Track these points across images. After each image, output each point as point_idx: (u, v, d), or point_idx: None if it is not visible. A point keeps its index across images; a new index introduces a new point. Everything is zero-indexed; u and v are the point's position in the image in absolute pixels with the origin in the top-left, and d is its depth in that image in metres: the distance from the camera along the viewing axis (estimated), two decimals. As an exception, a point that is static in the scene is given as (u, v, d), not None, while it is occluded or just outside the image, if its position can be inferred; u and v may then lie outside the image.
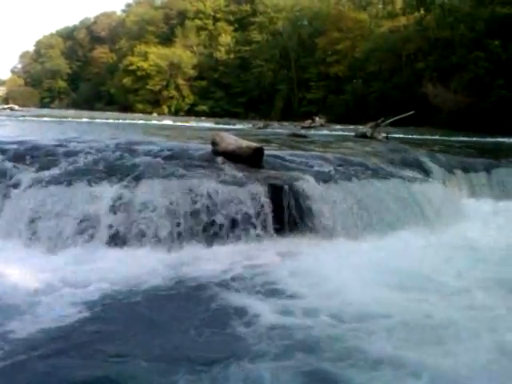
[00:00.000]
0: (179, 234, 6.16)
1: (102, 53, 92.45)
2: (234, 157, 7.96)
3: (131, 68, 72.06)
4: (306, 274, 5.38)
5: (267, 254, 6.09)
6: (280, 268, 5.58)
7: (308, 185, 7.30)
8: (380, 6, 56.44)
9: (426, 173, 10.46)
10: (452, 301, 4.73)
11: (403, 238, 6.94)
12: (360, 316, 4.32)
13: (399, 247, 6.47)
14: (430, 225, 7.60)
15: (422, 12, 42.47)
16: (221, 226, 6.34)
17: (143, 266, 5.41)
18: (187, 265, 5.58)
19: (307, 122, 29.80)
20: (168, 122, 32.67)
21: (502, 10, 33.48)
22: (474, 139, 21.42)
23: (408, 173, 9.48)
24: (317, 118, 31.18)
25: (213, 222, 6.34)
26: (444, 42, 38.81)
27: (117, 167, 6.98)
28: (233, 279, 5.23)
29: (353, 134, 18.24)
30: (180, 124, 31.04)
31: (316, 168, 8.37)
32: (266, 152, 8.31)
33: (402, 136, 19.62)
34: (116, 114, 48.89)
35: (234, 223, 6.41)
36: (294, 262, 5.82)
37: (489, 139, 21.83)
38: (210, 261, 5.72)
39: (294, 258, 5.96)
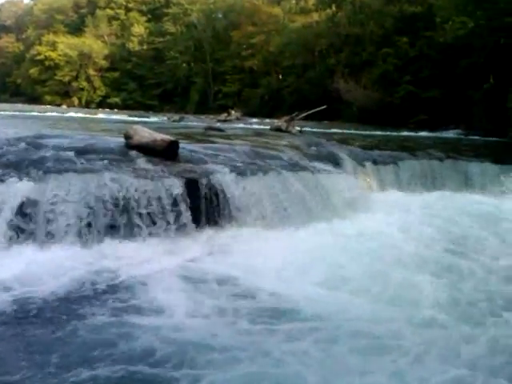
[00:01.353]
0: (90, 231, 5.96)
1: (7, 42, 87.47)
2: (149, 150, 7.82)
3: (39, 58, 68.85)
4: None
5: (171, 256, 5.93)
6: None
7: (224, 178, 7.32)
8: (293, 2, 57.28)
9: (338, 165, 10.75)
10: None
11: (312, 231, 7.18)
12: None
13: (305, 244, 6.60)
14: (340, 216, 7.86)
15: (334, 9, 43.49)
16: (134, 221, 6.21)
17: (43, 265, 5.17)
18: (91, 264, 5.38)
19: (223, 116, 29.82)
20: (78, 114, 31.50)
21: (410, 8, 35.02)
22: (383, 133, 22.28)
23: (321, 165, 9.71)
24: (232, 112, 31.29)
25: (126, 218, 6.19)
26: (355, 39, 39.99)
27: (23, 162, 6.62)
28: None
29: (268, 127, 18.43)
30: (91, 116, 30.05)
31: (232, 161, 8.40)
32: (181, 145, 8.24)
33: (315, 130, 20.04)
34: (22, 105, 46.55)
35: (148, 218, 6.30)
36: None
37: (396, 133, 22.77)
38: (116, 259, 5.58)
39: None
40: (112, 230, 6.10)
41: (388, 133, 22.56)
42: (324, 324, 4.27)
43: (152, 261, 5.62)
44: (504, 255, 6.61)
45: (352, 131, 22.49)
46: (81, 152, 7.35)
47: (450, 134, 24.44)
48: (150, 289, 4.89)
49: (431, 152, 13.43)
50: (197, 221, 6.74)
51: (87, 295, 4.73)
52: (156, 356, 3.68)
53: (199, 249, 6.16)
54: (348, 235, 7.10)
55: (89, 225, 5.98)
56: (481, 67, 24.94)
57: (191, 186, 6.93)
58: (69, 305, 4.52)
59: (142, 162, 7.35)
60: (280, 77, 48.60)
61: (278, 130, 16.18)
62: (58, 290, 4.75)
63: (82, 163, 6.82)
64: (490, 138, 20.05)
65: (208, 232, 6.70)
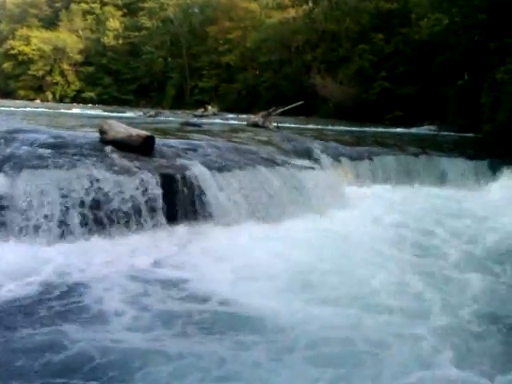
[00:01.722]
0: (61, 229, 5.87)
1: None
2: (124, 146, 7.73)
3: (12, 52, 67.52)
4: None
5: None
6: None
7: (201, 173, 7.28)
8: (270, -3, 57.18)
9: (315, 161, 10.79)
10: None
11: (288, 225, 7.20)
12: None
13: (278, 243, 6.48)
14: (315, 212, 7.87)
15: (311, 5, 43.48)
16: (109, 217, 6.14)
17: (5, 266, 5.02)
18: (55, 265, 5.23)
19: (200, 111, 29.68)
20: (52, 109, 31.04)
21: (386, 4, 35.25)
22: (359, 129, 22.40)
23: (298, 161, 9.73)
24: (209, 107, 31.16)
25: (99, 214, 6.11)
26: (331, 35, 40.07)
27: (-5, 157, 6.50)
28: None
29: (245, 122, 18.38)
30: (65, 111, 29.63)
31: (209, 156, 8.36)
32: (157, 141, 8.18)
33: (292, 125, 20.06)
34: (-5, 100, 45.69)
35: (122, 215, 6.23)
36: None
37: (372, 129, 22.92)
38: (82, 258, 5.44)
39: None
40: (84, 227, 6.01)
41: (364, 129, 22.68)
42: (282, 332, 4.10)
43: (117, 261, 5.47)
44: (459, 252, 6.74)
45: (328, 127, 22.54)
46: (55, 147, 7.23)
47: (425, 129, 24.69)
48: (99, 293, 4.65)
49: (406, 148, 13.58)
50: (172, 217, 6.69)
51: (34, 301, 4.49)
52: (89, 367, 3.43)
53: (171, 247, 6.05)
54: (322, 233, 7.08)
55: (60, 222, 5.89)
56: (455, 64, 25.19)
57: (167, 181, 6.88)
58: (8, 311, 4.28)
59: (116, 158, 7.25)
60: (257, 72, 48.53)
61: (255, 125, 16.15)
62: (8, 294, 4.55)
63: (55, 158, 6.70)
64: (464, 134, 20.29)
65: (183, 229, 6.64)
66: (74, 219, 5.95)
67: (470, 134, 19.98)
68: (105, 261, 5.44)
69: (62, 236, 5.84)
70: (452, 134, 21.17)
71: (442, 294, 5.13)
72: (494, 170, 12.96)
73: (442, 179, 12.53)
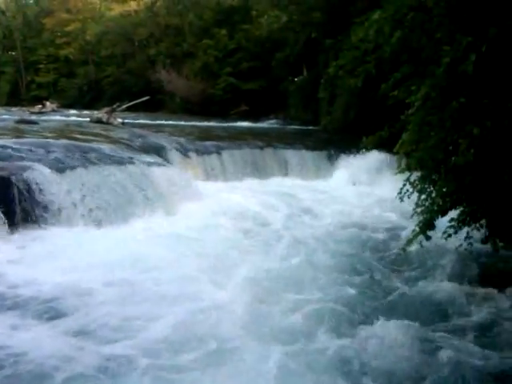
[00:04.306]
0: None
1: None
2: None
3: None
4: None
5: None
6: None
7: (39, 174, 6.83)
8: (109, -11, 55.35)
9: (163, 156, 10.68)
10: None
11: (132, 228, 7.05)
12: None
13: (118, 245, 6.24)
14: (163, 209, 7.80)
15: (152, -2, 42.95)
16: None
17: None
18: None
19: (37, 107, 27.87)
20: None
21: (227, 0, 35.88)
22: (207, 123, 22.62)
23: (145, 157, 9.53)
24: (48, 103, 29.33)
25: None
26: (175, 30, 39.91)
27: None
28: None
29: (88, 119, 17.66)
30: None
31: (48, 156, 7.89)
32: (-13, 141, 7.53)
33: (138, 121, 19.65)
34: None
35: None
36: None
37: (219, 123, 23.25)
38: None
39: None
40: None
41: (211, 123, 22.94)
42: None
43: None
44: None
45: (176, 122, 22.45)
46: None
47: (270, 123, 25.59)
48: None
49: (252, 141, 13.98)
50: (9, 222, 6.18)
51: None
52: None
53: (4, 256, 5.56)
54: (166, 231, 6.99)
55: None
56: (294, 60, 26.35)
57: (1, 184, 6.33)
58: None
59: None
60: (99, 67, 46.80)
61: (99, 121, 15.60)
62: None
63: None
64: (306, 127, 21.36)
65: (22, 234, 6.15)
66: None
67: (311, 127, 21.08)
68: None
69: None
70: (295, 127, 22.18)
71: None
72: (332, 159, 13.85)
73: (285, 170, 13.11)
